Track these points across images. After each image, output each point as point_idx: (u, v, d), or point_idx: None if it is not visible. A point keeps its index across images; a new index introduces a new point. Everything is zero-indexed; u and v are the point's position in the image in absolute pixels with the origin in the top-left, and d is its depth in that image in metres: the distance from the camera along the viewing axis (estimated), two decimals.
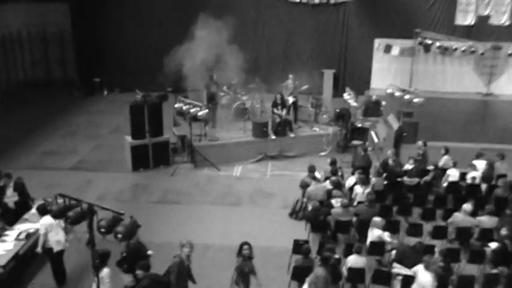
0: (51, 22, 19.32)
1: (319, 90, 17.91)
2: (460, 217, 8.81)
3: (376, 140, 13.27)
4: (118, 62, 18.98)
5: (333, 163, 10.66)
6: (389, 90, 14.29)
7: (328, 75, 18.24)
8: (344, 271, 7.57)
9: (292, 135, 13.56)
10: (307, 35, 18.62)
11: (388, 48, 17.49)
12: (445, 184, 10.43)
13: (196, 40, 13.21)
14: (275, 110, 13.47)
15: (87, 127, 15.67)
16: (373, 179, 10.16)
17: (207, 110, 12.24)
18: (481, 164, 10.60)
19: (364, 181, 9.78)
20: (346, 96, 14.43)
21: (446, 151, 11.17)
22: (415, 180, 10.63)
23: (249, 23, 18.43)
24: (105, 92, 19.34)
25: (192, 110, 12.17)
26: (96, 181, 11.84)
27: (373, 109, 14.73)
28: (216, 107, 13.85)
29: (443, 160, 11.04)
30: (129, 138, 12.36)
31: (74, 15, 18.80)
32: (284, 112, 13.46)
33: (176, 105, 12.61)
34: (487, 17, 17.14)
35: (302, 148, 13.67)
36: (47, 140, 14.43)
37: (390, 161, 10.93)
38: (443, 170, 10.71)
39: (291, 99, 14.04)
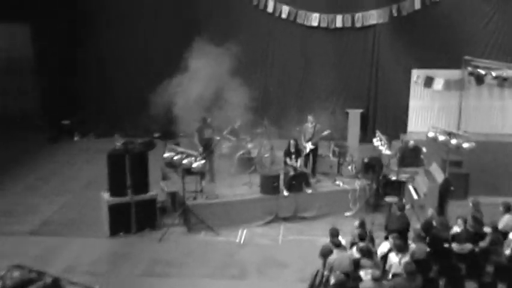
0: (13, 46, 19.52)
1: (343, 134, 18.26)
2: None
3: (415, 196, 13.45)
4: (93, 100, 19.39)
5: (361, 225, 10.72)
6: (431, 134, 14.18)
7: (355, 116, 18.69)
8: None
9: (309, 191, 13.79)
10: (328, 66, 19.12)
11: (429, 81, 17.79)
12: (507, 251, 10.38)
13: (191, 72, 13.55)
14: (288, 161, 13.75)
15: (53, 180, 15.87)
16: (412, 245, 10.15)
17: (203, 161, 12.46)
18: None
19: (401, 248, 9.75)
20: (376, 142, 14.54)
21: (507, 209, 11.17)
22: (468, 246, 10.58)
23: (257, 51, 18.93)
24: (76, 137, 19.75)
25: (185, 161, 12.31)
26: (63, 248, 11.86)
27: (411, 158, 14.93)
28: (212, 157, 14.08)
29: (504, 220, 11.02)
30: (106, 196, 12.52)
31: (36, 38, 18.93)
32: (299, 163, 13.74)
33: (165, 155, 12.78)
34: None
35: (322, 207, 13.85)
36: (0, 197, 14.60)
37: (434, 222, 11.01)
38: (504, 234, 10.68)
39: (308, 147, 14.34)
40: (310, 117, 14.65)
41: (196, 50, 13.62)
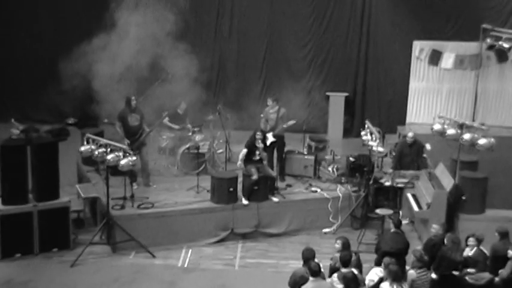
0: None
1: (323, 126, 18.39)
2: None
3: (415, 207, 13.46)
4: None
5: (345, 246, 10.67)
6: (437, 126, 14.16)
7: (337, 101, 18.86)
8: None
9: (276, 199, 13.87)
10: (303, 33, 19.16)
11: (436, 57, 17.90)
12: None
13: (118, 32, 13.47)
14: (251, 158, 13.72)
15: None
16: (411, 272, 10.22)
17: (135, 157, 12.44)
18: None
19: (397, 276, 9.72)
20: (365, 136, 14.54)
21: None
22: (485, 276, 10.70)
23: (212, 9, 18.78)
24: None
25: (109, 157, 12.23)
26: None
27: (410, 157, 14.96)
28: (143, 152, 14.13)
29: None
30: None
31: None
32: (262, 155, 13.76)
33: (83, 148, 12.70)
34: None
35: (293, 221, 13.93)
36: None
37: (443, 241, 11.07)
38: None
39: (270, 139, 14.38)
40: (270, 100, 14.79)
41: (125, 5, 13.68)
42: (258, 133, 13.63)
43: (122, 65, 13.30)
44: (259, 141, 13.59)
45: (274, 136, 14.45)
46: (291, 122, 14.66)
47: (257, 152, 13.68)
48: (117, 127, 13.96)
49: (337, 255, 10.50)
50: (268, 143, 14.20)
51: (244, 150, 13.63)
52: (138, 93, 14.27)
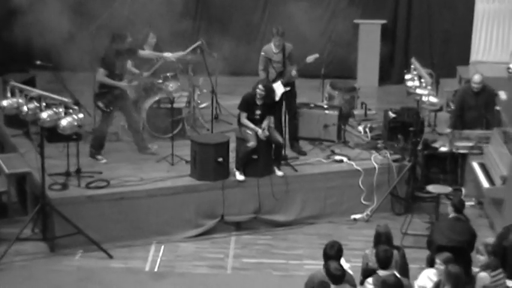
0: None
1: (349, 68, 18.60)
2: None
3: (485, 183, 13.57)
4: None
5: (383, 239, 10.67)
6: None
7: (370, 32, 19.08)
8: None
9: (280, 173, 13.94)
10: None
11: None
12: None
13: None
14: (246, 122, 13.79)
15: None
16: (482, 276, 10.15)
17: (81, 115, 12.57)
18: None
19: (459, 280, 9.63)
20: (411, 81, 14.56)
21: None
22: None
23: None
24: None
25: (45, 114, 12.25)
26: None
27: (476, 110, 15.05)
28: (130, 110, 14.51)
29: None
30: None
31: None
32: (266, 124, 13.79)
33: (5, 103, 12.74)
34: None
35: (309, 204, 14.06)
36: None
37: None
38: None
39: (279, 90, 14.39)
40: (275, 31, 14.65)
41: None
42: (259, 86, 13.67)
43: None
44: (260, 96, 13.63)
45: (285, 85, 14.52)
46: (312, 58, 14.62)
47: (257, 112, 13.78)
48: (100, 76, 14.08)
49: (372, 251, 10.51)
50: (277, 97, 14.34)
51: (243, 114, 13.75)
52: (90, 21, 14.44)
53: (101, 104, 13.91)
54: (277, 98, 14.30)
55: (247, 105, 13.80)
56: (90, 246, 12.76)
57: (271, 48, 14.64)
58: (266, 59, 14.66)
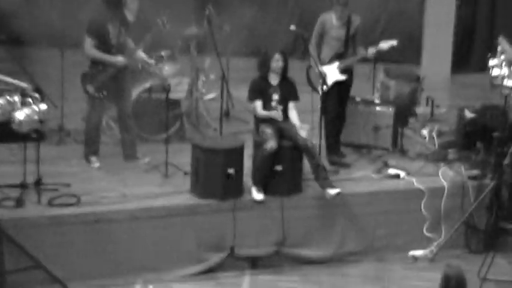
0: None
1: (411, 50, 18.96)
2: None
3: None
4: None
5: (452, 283, 9.54)
6: None
7: (441, 4, 18.34)
8: None
9: (334, 191, 13.02)
10: None
11: None
12: None
13: None
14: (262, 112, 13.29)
15: None
16: None
17: (44, 106, 12.24)
18: None
19: None
20: (497, 69, 13.72)
21: None
22: None
23: None
24: None
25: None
26: None
27: None
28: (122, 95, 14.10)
29: None
30: None
31: None
32: (308, 128, 13.47)
33: None
34: None
35: (350, 235, 13.42)
36: None
37: None
38: None
39: (331, 77, 13.98)
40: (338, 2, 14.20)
41: None
42: (275, 55, 13.04)
43: None
44: (277, 70, 13.07)
45: (342, 71, 13.96)
46: (387, 44, 14.12)
47: (274, 96, 13.12)
48: (87, 48, 13.46)
49: None
50: (328, 85, 13.80)
51: (258, 104, 13.17)
52: None
53: (90, 88, 13.37)
54: (328, 85, 13.78)
55: (260, 89, 13.21)
56: (51, 285, 11.80)
57: (332, 18, 14.10)
58: (321, 31, 14.16)
